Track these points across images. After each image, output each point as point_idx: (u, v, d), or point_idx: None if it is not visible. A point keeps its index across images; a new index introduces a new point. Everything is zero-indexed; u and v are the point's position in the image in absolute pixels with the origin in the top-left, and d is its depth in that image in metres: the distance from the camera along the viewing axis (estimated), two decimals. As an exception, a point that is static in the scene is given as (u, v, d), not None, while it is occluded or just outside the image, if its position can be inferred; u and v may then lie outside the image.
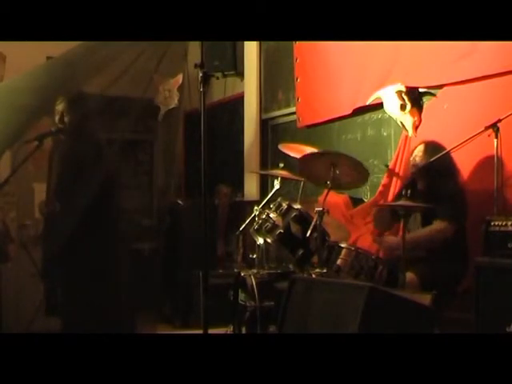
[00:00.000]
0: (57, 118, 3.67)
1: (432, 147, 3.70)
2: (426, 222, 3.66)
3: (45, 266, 3.85)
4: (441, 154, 3.57)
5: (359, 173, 3.74)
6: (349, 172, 3.69)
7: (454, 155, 3.65)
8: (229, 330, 3.98)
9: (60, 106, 3.67)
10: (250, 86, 6.04)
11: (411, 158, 3.81)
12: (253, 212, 3.89)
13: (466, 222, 3.59)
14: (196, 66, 3.05)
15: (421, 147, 3.76)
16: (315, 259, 3.56)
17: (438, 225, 3.55)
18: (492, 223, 3.05)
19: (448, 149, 3.61)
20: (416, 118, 4.21)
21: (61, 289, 3.76)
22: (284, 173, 4.23)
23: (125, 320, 3.75)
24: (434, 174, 3.62)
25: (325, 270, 3.38)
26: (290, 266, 3.90)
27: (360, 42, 4.23)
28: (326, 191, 3.61)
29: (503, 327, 2.78)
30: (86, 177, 3.52)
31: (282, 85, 5.74)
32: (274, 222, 3.67)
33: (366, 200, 4.70)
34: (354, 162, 3.67)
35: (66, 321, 3.66)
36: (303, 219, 3.65)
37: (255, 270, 3.88)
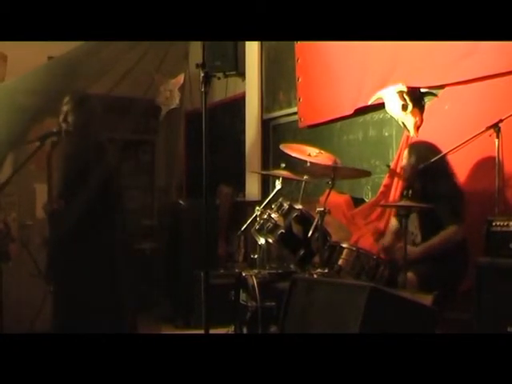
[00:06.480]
0: (61, 117, 3.67)
1: (416, 148, 3.73)
2: (424, 222, 3.66)
3: (49, 267, 3.86)
4: (436, 158, 3.58)
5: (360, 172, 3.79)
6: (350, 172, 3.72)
7: (455, 156, 3.65)
8: (230, 330, 3.99)
9: (65, 107, 3.66)
10: (252, 86, 6.04)
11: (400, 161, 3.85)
12: (254, 212, 3.89)
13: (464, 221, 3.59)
14: (197, 66, 3.05)
15: (406, 150, 3.79)
16: (316, 259, 3.56)
17: (450, 230, 3.53)
18: (493, 223, 3.06)
19: (443, 149, 3.62)
20: (417, 119, 4.21)
21: (62, 289, 3.76)
22: (285, 173, 4.22)
23: (126, 320, 3.75)
24: (427, 176, 3.62)
25: (326, 270, 3.38)
26: (292, 266, 3.89)
27: (361, 42, 4.23)
28: (327, 191, 3.62)
29: (504, 327, 2.78)
30: (89, 177, 3.52)
31: (283, 85, 5.74)
32: (276, 222, 3.67)
33: (367, 200, 4.70)
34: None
35: (67, 321, 3.66)
36: (305, 219, 3.65)
37: (256, 270, 3.89)
